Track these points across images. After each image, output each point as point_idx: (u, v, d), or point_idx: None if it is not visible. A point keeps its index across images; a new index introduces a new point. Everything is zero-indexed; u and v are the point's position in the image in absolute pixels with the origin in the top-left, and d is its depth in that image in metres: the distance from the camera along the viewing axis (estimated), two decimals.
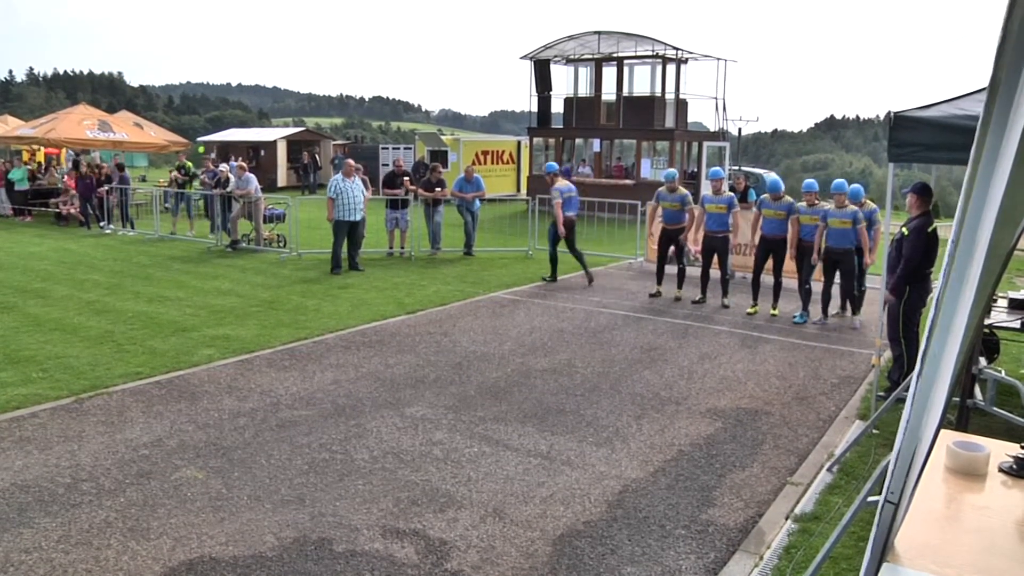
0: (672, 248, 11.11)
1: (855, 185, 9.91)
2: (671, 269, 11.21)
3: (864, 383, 7.46)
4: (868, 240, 9.50)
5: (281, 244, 15.42)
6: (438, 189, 14.52)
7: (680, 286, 11.11)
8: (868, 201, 10.01)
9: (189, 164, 18.50)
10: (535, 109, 25.96)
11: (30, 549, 4.12)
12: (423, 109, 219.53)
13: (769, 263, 10.22)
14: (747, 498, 4.98)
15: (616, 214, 19.65)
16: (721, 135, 24.83)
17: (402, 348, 8.26)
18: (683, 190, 11.10)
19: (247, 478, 5.04)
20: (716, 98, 24.21)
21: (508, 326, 9.37)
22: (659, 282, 11.32)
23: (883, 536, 2.03)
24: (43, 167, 23.24)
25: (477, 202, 14.83)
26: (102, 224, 18.21)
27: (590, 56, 24.77)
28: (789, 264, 10.11)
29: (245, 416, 6.17)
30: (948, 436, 3.00)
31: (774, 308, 10.31)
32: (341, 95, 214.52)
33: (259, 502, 4.72)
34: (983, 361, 6.39)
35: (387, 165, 25.96)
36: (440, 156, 25.67)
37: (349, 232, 12.72)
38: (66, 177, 20.52)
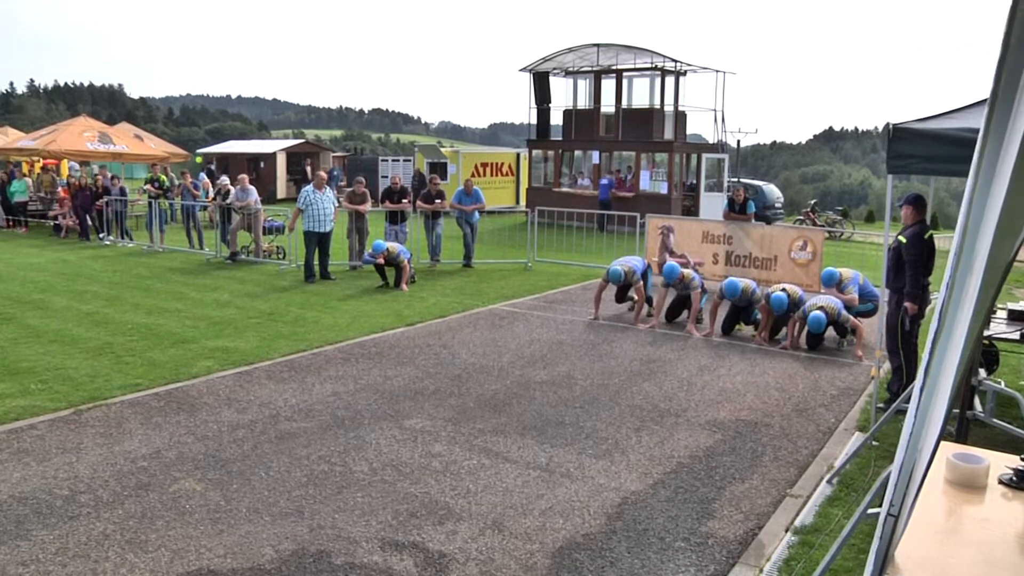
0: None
1: (829, 269, 9.69)
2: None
3: (863, 395, 7.45)
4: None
5: (280, 256, 15.43)
6: (437, 201, 14.56)
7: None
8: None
9: (163, 177, 18.09)
10: (534, 121, 26.07)
11: (27, 562, 4.10)
12: (423, 121, 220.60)
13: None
14: (747, 510, 4.96)
15: (616, 226, 19.74)
16: (720, 147, 24.92)
17: (401, 360, 8.25)
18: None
19: (246, 490, 5.03)
20: (715, 110, 24.32)
21: (507, 338, 9.37)
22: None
23: (884, 549, 2.02)
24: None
25: (476, 214, 14.88)
26: (101, 236, 18.22)
27: (589, 68, 24.89)
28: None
29: (244, 428, 6.15)
30: (948, 448, 2.99)
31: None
32: (341, 107, 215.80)
33: (258, 514, 4.70)
34: (983, 373, 6.39)
35: (386, 177, 26.06)
36: (439, 168, 25.76)
37: (319, 242, 13.01)
38: (60, 190, 20.52)
